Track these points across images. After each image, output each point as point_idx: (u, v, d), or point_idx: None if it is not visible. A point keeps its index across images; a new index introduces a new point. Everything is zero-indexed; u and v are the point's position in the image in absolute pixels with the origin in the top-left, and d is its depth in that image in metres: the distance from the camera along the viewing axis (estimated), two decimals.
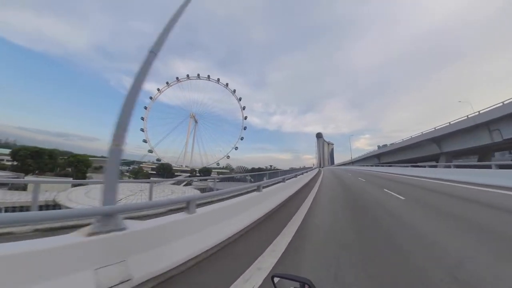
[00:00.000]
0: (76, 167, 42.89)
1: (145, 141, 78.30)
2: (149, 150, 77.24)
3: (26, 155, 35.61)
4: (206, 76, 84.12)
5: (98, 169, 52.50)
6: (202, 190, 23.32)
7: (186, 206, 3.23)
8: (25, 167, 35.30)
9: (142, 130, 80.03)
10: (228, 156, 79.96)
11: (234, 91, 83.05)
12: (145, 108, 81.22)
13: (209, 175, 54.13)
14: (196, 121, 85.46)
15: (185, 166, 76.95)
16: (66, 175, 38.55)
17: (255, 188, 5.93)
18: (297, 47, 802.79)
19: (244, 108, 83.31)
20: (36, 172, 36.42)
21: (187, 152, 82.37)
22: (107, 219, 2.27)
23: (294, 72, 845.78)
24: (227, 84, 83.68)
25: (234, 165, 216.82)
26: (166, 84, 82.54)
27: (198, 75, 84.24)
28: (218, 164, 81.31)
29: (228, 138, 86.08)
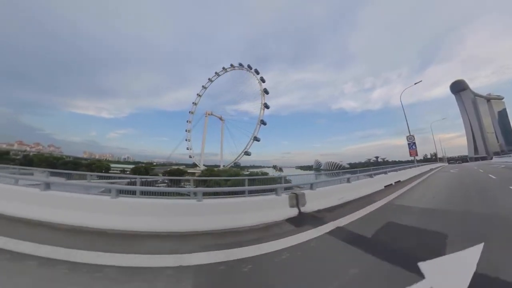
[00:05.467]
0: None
1: (188, 148, 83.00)
2: (190, 156, 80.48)
3: None
4: (237, 65, 77.06)
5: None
6: None
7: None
8: None
9: (186, 140, 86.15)
10: (248, 152, 62.80)
11: (249, 66, 69.59)
12: (188, 122, 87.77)
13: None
14: (222, 120, 79.16)
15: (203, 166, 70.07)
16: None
17: None
18: None
19: (263, 80, 66.16)
20: None
21: (206, 152, 75.50)
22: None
23: (384, 21, 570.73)
24: (240, 64, 72.50)
25: (323, 161, 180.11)
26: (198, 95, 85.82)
27: (233, 65, 78.62)
28: (237, 163, 65.93)
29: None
